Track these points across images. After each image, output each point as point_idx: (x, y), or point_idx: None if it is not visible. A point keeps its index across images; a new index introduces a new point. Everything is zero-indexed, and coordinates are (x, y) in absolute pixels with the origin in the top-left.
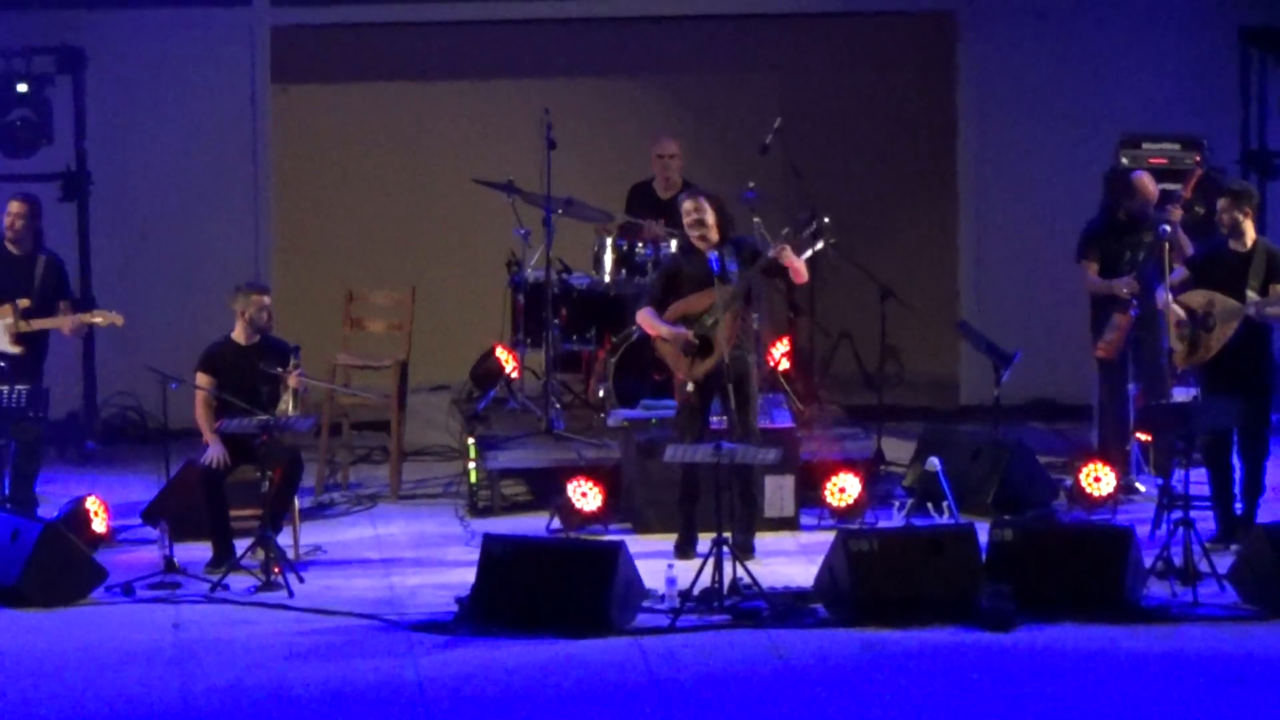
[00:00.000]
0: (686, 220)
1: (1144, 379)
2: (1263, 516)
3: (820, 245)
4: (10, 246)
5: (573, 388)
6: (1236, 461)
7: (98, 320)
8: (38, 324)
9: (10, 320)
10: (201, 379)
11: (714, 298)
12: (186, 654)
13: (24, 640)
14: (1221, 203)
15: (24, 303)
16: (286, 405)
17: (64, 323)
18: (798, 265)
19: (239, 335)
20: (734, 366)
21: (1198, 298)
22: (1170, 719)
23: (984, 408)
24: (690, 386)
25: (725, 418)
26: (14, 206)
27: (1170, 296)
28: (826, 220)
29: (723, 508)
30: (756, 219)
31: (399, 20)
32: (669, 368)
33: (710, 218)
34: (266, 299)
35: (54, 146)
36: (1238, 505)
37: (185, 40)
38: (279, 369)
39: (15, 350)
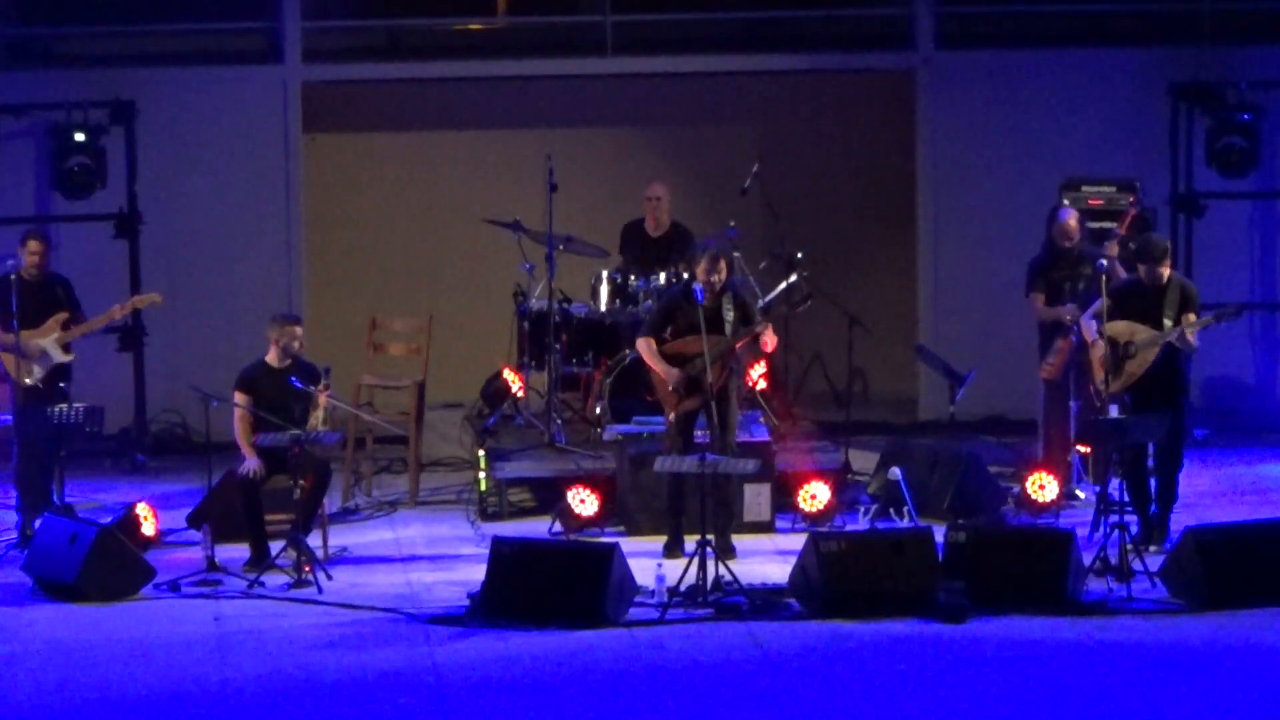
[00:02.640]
0: (704, 274)
1: (1083, 397)
2: (1176, 520)
3: (794, 277)
4: (32, 276)
5: (572, 405)
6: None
7: (140, 304)
8: (83, 329)
9: (58, 334)
10: (239, 398)
11: (704, 345)
12: (227, 644)
13: (82, 632)
14: (1142, 269)
15: (62, 316)
16: (316, 421)
17: (110, 316)
18: (773, 343)
19: (272, 359)
20: (716, 396)
21: (1120, 327)
22: (1106, 701)
23: (940, 423)
24: (672, 416)
25: (709, 433)
26: (34, 245)
27: (1096, 327)
28: (800, 255)
29: (706, 513)
30: (737, 254)
31: (417, 76)
32: (658, 392)
33: (723, 275)
34: (298, 329)
35: (108, 190)
36: (1152, 507)
37: (225, 94)
38: (311, 388)
39: (68, 358)
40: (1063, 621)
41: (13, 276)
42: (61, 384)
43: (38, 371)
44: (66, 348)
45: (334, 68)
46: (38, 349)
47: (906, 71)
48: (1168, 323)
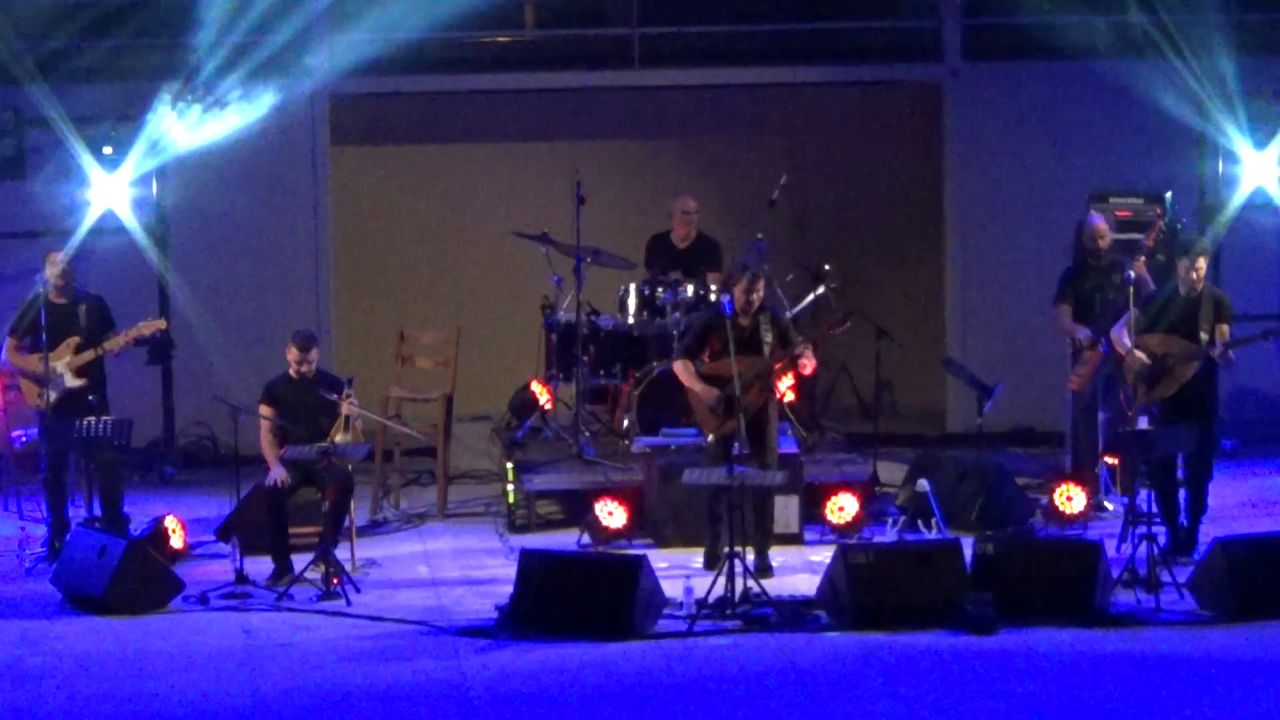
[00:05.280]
0: (743, 293)
1: (1111, 408)
2: (1203, 531)
3: (822, 289)
4: (56, 298)
5: (600, 418)
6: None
7: (144, 331)
8: (89, 355)
9: (68, 358)
10: (264, 410)
11: (743, 366)
12: (256, 657)
13: (111, 645)
14: (1180, 266)
15: (74, 341)
16: (337, 431)
17: (114, 344)
18: (812, 366)
19: (293, 371)
20: (755, 417)
21: (1153, 341)
22: (1134, 713)
23: (968, 435)
24: (711, 438)
25: (742, 449)
26: (53, 256)
27: (1130, 341)
28: (827, 267)
29: (734, 525)
30: (765, 265)
31: (445, 89)
32: (696, 414)
33: (762, 294)
34: (300, 353)
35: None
36: (1182, 518)
37: (254, 107)
38: (334, 396)
39: (79, 383)
40: (1091, 633)
41: (41, 291)
42: (90, 397)
43: (51, 395)
44: (78, 372)
45: (363, 80)
46: (50, 373)
47: (934, 83)
48: (1204, 335)
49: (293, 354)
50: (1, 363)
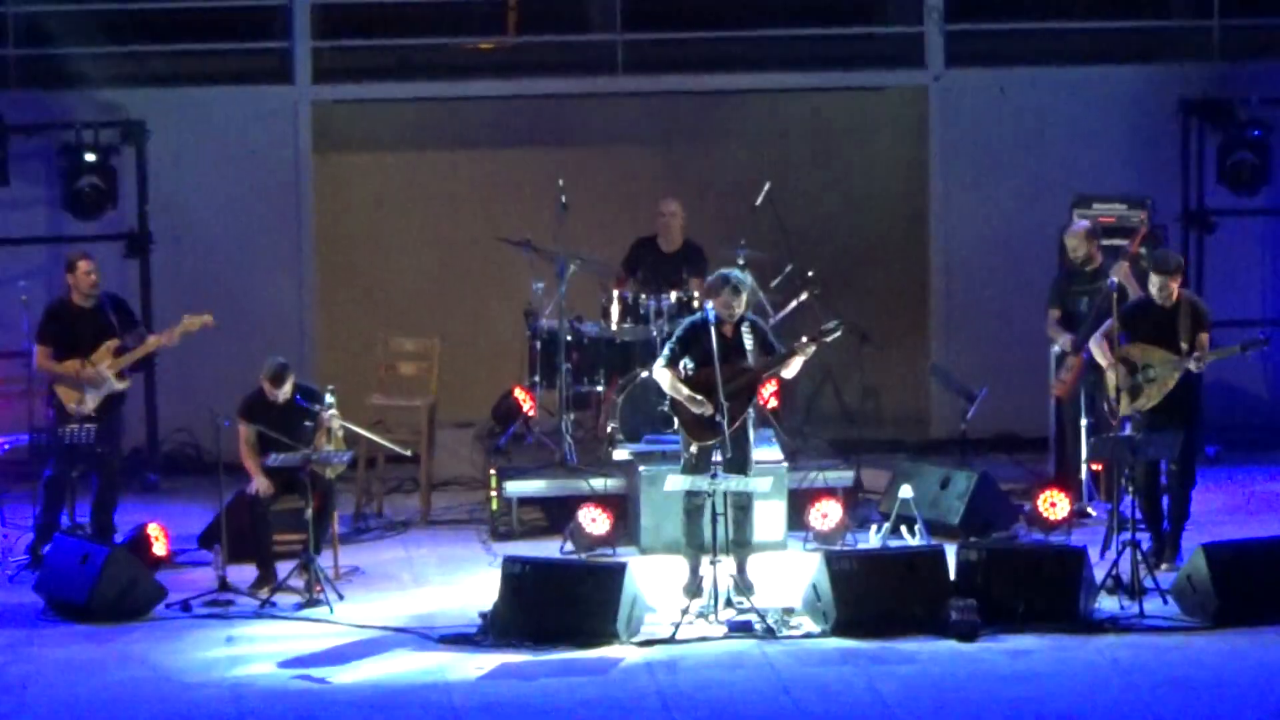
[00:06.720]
0: (722, 302)
1: (1095, 414)
2: (1187, 538)
3: (805, 295)
4: (82, 302)
5: (584, 424)
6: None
7: (193, 327)
8: (134, 356)
9: (109, 361)
10: (243, 426)
11: (727, 374)
12: (238, 664)
13: (93, 652)
14: (1156, 280)
15: (113, 344)
16: (321, 441)
17: (160, 340)
18: (795, 371)
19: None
20: (736, 432)
21: (1136, 352)
22: (1117, 719)
23: (952, 441)
24: (695, 449)
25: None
26: (87, 264)
27: (1111, 352)
28: (811, 273)
29: (716, 532)
30: (747, 273)
31: (426, 96)
32: (683, 424)
33: (742, 304)
34: (273, 387)
35: (119, 210)
36: (1165, 524)
37: (236, 114)
38: (315, 407)
39: (124, 385)
40: (1075, 639)
41: (67, 299)
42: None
43: (91, 400)
44: (120, 374)
45: (344, 87)
46: (97, 377)
47: (917, 89)
48: (1183, 344)
49: (266, 387)
50: (33, 370)
